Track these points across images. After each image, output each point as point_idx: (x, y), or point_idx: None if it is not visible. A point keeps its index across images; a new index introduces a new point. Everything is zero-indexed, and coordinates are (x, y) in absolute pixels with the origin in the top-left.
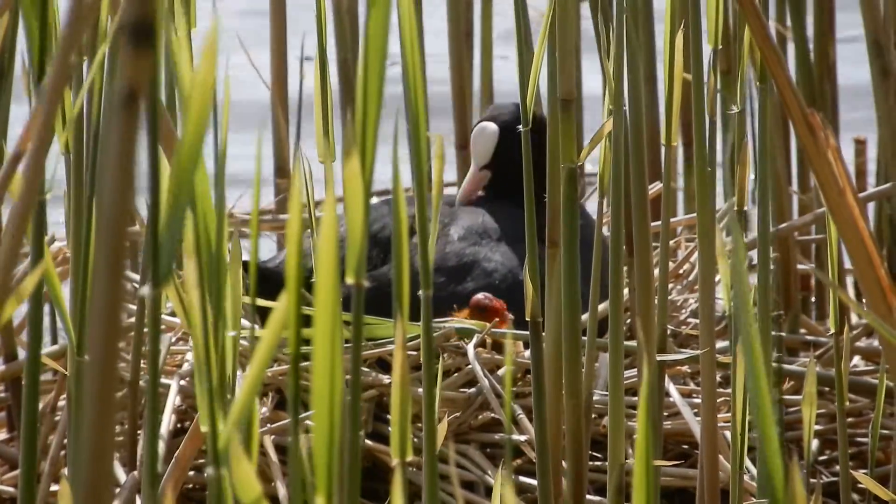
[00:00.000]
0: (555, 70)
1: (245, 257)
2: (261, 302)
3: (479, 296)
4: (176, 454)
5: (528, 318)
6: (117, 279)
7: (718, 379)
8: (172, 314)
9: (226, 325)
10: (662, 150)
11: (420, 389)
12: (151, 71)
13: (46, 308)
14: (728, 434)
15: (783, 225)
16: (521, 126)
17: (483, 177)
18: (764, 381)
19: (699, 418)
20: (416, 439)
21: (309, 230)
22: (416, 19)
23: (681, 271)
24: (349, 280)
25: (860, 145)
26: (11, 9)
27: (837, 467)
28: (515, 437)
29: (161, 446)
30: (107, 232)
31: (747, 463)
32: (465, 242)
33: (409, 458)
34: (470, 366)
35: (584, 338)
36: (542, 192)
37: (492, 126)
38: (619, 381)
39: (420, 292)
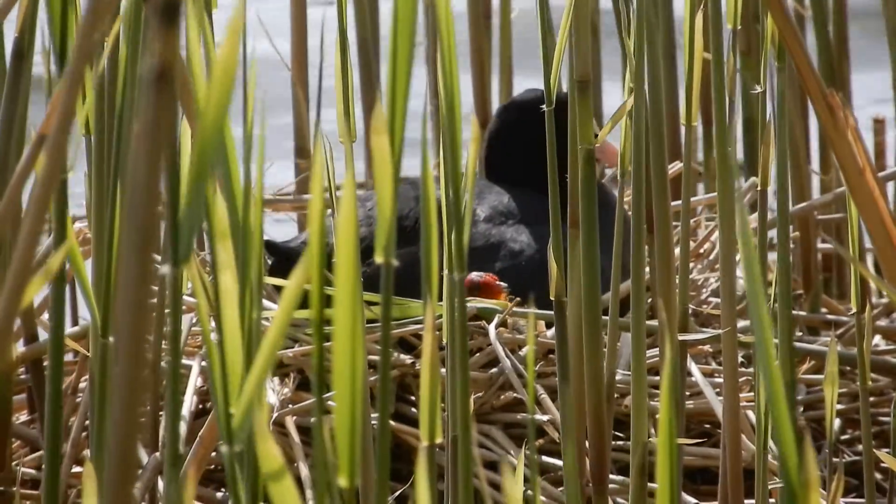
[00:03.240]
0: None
1: (266, 237)
2: (283, 283)
3: (471, 275)
4: (200, 434)
5: (552, 298)
6: (147, 261)
7: (741, 358)
8: (192, 294)
9: (253, 305)
10: (682, 129)
11: (443, 370)
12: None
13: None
14: (751, 413)
15: (803, 204)
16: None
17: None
18: (774, 361)
19: (721, 398)
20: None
21: (330, 210)
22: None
23: (701, 250)
24: (378, 259)
25: (878, 124)
26: None
27: (860, 447)
28: (539, 417)
29: (183, 427)
30: (138, 212)
31: (770, 442)
32: (491, 223)
33: (439, 440)
34: (491, 346)
35: (606, 318)
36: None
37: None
38: (641, 361)
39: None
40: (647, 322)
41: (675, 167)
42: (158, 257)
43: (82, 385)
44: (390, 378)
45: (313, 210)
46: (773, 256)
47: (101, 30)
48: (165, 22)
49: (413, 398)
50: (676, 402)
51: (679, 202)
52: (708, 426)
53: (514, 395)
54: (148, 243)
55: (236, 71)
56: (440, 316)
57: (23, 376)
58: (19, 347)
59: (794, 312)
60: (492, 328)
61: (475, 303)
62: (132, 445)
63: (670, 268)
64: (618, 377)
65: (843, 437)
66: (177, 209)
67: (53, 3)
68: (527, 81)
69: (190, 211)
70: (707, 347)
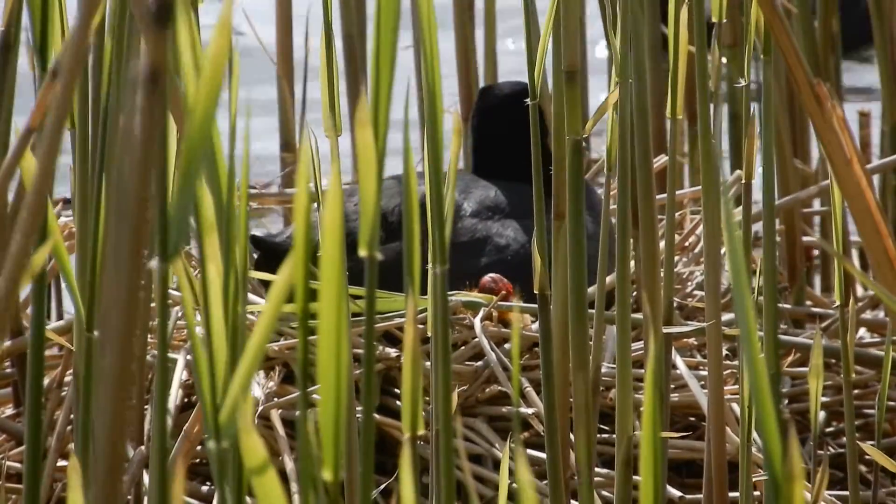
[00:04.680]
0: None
1: (252, 232)
2: (269, 277)
3: (487, 278)
4: (185, 428)
5: (536, 292)
6: (138, 263)
7: (725, 351)
8: (177, 288)
9: (238, 299)
10: (668, 122)
11: (427, 363)
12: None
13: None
14: (735, 406)
15: (788, 197)
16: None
17: None
18: (758, 354)
19: (706, 390)
20: (423, 413)
21: (316, 204)
22: None
23: (686, 244)
24: (362, 253)
25: (864, 118)
26: None
27: (844, 439)
28: (524, 409)
29: (168, 421)
30: (129, 212)
31: (755, 435)
32: (478, 218)
33: (421, 432)
34: (476, 339)
35: (592, 311)
36: (525, 168)
37: None
38: (626, 354)
39: (428, 266)
40: (633, 315)
41: (660, 160)
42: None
43: (67, 379)
44: (375, 371)
45: (299, 204)
46: (758, 250)
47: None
48: (157, 25)
49: (398, 391)
50: (661, 395)
51: (664, 195)
52: (693, 419)
53: (500, 388)
54: (139, 245)
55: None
56: (424, 310)
57: (8, 370)
58: (5, 342)
59: (779, 305)
60: (477, 321)
61: (460, 296)
62: (120, 438)
63: (655, 261)
64: (603, 370)
65: (828, 430)
66: (166, 205)
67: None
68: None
69: (179, 207)
70: (692, 340)
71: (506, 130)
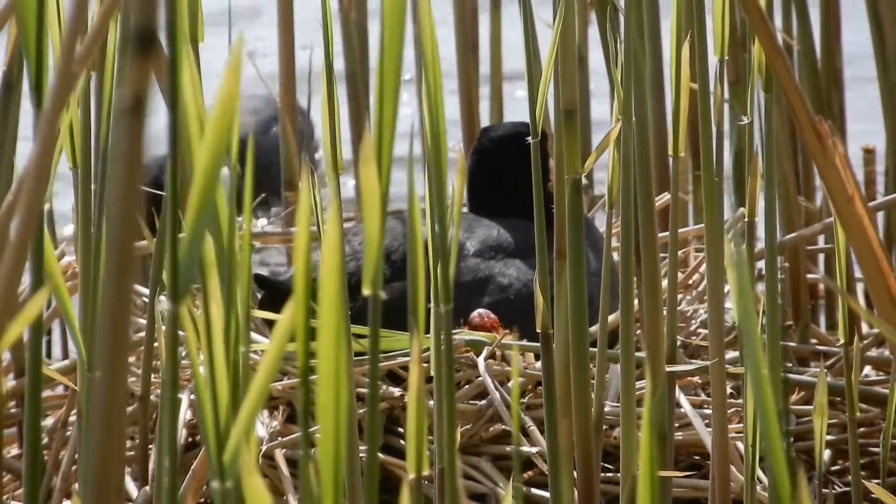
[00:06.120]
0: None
1: (255, 270)
2: (271, 316)
3: (475, 314)
4: (192, 467)
5: (538, 330)
6: (125, 289)
7: (729, 389)
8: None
9: (239, 339)
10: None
11: (431, 402)
12: (171, 80)
13: (58, 323)
14: (740, 444)
15: (792, 235)
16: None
17: None
18: (769, 392)
19: (710, 429)
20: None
21: (317, 243)
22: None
23: (690, 282)
24: (366, 291)
25: (868, 154)
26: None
27: (849, 477)
28: (526, 448)
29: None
30: (114, 243)
31: (759, 473)
32: (480, 258)
33: (426, 472)
34: (480, 378)
35: (594, 349)
36: (525, 207)
37: None
38: (630, 393)
39: (430, 306)
40: (637, 354)
41: (664, 198)
42: (146, 291)
43: (72, 419)
44: (378, 410)
45: (299, 245)
46: (761, 287)
47: (80, 63)
48: (140, 52)
49: (402, 430)
50: (660, 434)
51: (667, 233)
52: (697, 458)
53: (503, 426)
54: (125, 273)
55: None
56: (428, 349)
57: (13, 410)
58: (9, 382)
59: (783, 343)
60: (481, 360)
61: (464, 335)
62: (113, 479)
63: (658, 299)
64: (607, 409)
65: (833, 468)
66: (176, 246)
67: (28, 36)
68: (516, 114)
69: (191, 249)
70: (696, 378)
71: (504, 170)
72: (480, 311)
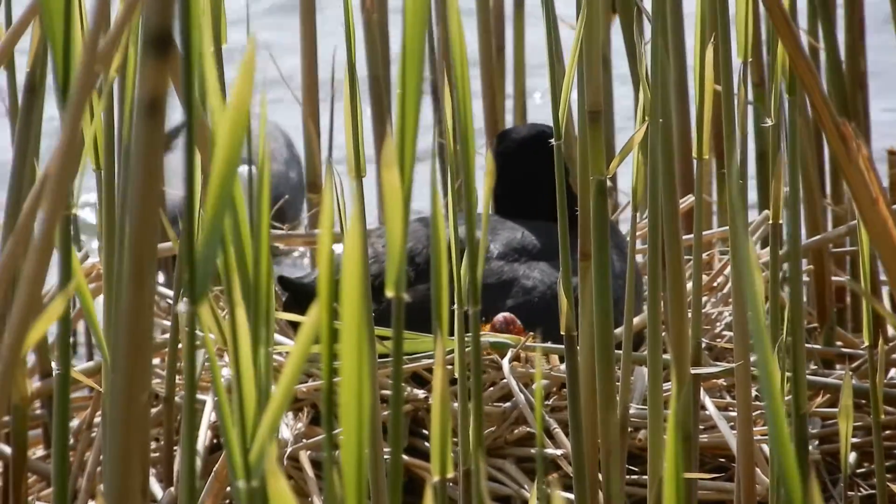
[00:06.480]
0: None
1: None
2: (295, 318)
3: (498, 317)
4: (215, 469)
5: (563, 333)
6: (144, 287)
7: (754, 392)
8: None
9: (263, 341)
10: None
11: (455, 404)
12: (188, 82)
13: (82, 324)
14: (765, 447)
15: (816, 237)
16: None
17: None
18: (778, 395)
19: (735, 431)
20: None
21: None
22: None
23: (715, 284)
24: (389, 294)
25: (893, 157)
26: (43, 23)
27: (875, 480)
28: (551, 450)
29: (197, 462)
30: (134, 242)
31: None
32: (504, 260)
33: (450, 474)
34: (505, 380)
35: (620, 351)
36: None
37: None
38: (657, 395)
39: (454, 307)
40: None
41: (688, 200)
42: (171, 293)
43: (97, 420)
44: (402, 412)
45: (322, 247)
46: (786, 290)
47: (101, 62)
48: (156, 53)
49: (427, 432)
50: (685, 435)
51: (691, 235)
52: (723, 460)
53: (528, 429)
54: (144, 272)
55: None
56: (452, 351)
57: (39, 412)
58: (34, 383)
59: (808, 346)
60: (505, 362)
61: (488, 337)
62: (132, 478)
63: (682, 301)
64: (632, 411)
65: (858, 471)
66: (193, 247)
67: (55, 36)
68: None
69: (207, 249)
70: (721, 381)
71: (524, 172)
72: (504, 314)
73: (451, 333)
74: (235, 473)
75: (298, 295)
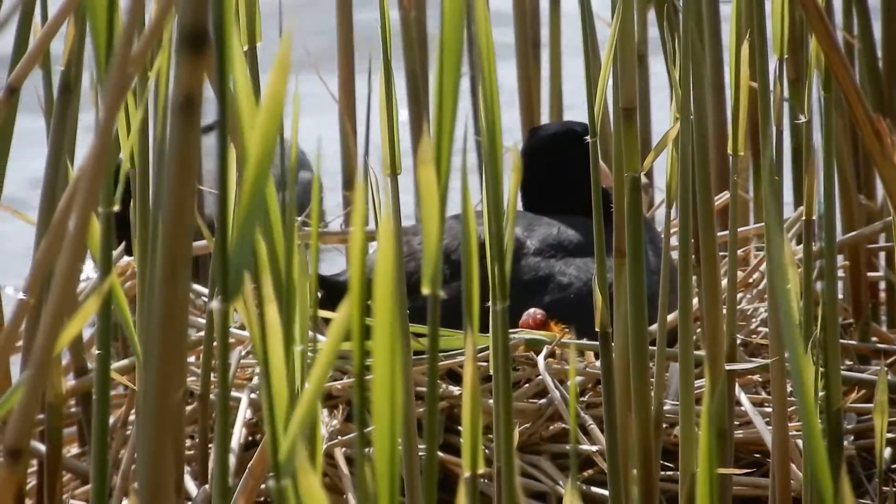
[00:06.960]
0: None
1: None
2: (328, 314)
3: (526, 313)
4: (249, 466)
5: (597, 329)
6: (177, 286)
7: (790, 388)
8: (242, 327)
9: (294, 338)
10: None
11: (490, 401)
12: (222, 80)
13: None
14: (800, 442)
15: (852, 233)
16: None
17: None
18: (810, 391)
19: (771, 427)
20: (486, 450)
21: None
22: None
23: (751, 280)
24: (425, 291)
25: None
26: (78, 21)
27: None
28: (586, 447)
29: (232, 459)
30: (167, 240)
31: None
32: (541, 256)
33: (482, 470)
34: (540, 376)
35: (654, 348)
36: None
37: None
38: (689, 391)
39: (488, 304)
40: (696, 352)
41: (724, 196)
42: (206, 291)
43: (132, 418)
44: (437, 409)
45: (355, 244)
46: (821, 285)
47: (135, 63)
48: (192, 50)
49: (461, 429)
50: (719, 431)
51: (727, 232)
52: (758, 455)
53: (563, 425)
54: (178, 268)
55: (283, 108)
56: (486, 347)
57: (73, 409)
58: (69, 381)
59: (843, 341)
60: (541, 359)
61: (523, 334)
62: (163, 476)
63: (717, 298)
64: (666, 407)
65: (894, 466)
66: (226, 245)
67: (98, 35)
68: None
69: (240, 247)
70: (756, 377)
71: (554, 168)
72: (531, 310)
73: (486, 330)
74: (274, 471)
75: (333, 292)
